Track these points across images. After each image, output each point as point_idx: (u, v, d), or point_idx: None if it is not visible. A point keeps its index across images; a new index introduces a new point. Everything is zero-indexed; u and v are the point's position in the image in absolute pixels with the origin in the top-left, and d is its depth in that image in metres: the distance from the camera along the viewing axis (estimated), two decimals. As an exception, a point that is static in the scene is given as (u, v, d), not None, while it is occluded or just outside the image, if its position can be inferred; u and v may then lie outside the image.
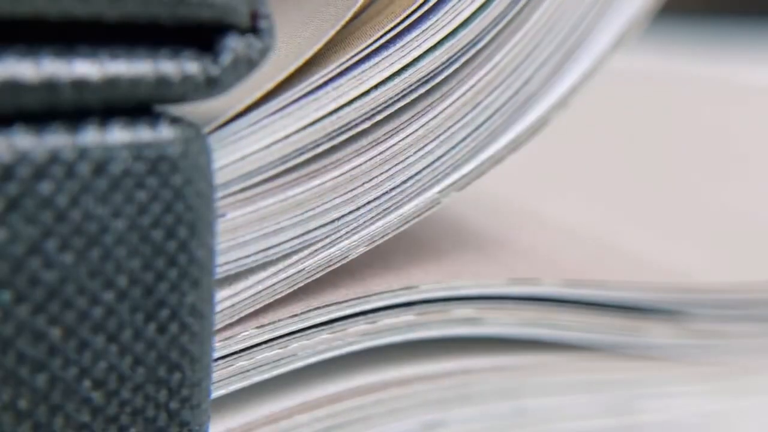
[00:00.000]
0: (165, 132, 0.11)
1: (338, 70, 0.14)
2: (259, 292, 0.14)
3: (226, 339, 0.13)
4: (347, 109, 0.14)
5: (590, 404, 0.18)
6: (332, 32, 0.14)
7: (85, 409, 0.11)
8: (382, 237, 0.15)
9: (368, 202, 0.14)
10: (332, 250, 0.14)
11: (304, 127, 0.13)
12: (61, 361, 0.11)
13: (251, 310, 0.14)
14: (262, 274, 0.14)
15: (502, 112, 0.16)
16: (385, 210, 0.15)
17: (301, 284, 0.14)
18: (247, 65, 0.12)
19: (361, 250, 0.15)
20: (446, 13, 0.14)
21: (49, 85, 0.10)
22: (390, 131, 0.14)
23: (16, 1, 0.10)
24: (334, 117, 0.14)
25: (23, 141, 0.10)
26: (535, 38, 0.15)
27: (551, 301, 0.17)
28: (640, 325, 0.18)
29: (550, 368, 0.17)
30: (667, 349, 0.18)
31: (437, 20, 0.14)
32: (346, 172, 0.14)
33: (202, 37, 0.11)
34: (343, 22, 0.14)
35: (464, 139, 0.15)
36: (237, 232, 0.13)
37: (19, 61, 0.10)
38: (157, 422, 0.12)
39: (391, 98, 0.14)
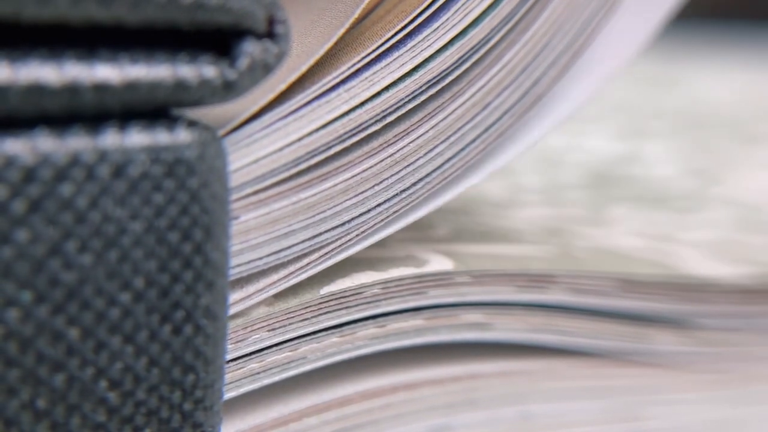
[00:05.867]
0: (182, 135, 0.12)
1: (350, 72, 0.14)
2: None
3: (237, 342, 0.14)
4: (359, 111, 0.14)
5: (595, 410, 0.18)
6: (342, 31, 0.14)
7: (102, 409, 0.12)
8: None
9: (378, 205, 0.15)
10: (341, 256, 0.15)
11: (317, 130, 0.14)
12: (79, 362, 0.12)
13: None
14: (274, 277, 0.14)
15: (511, 114, 0.16)
16: (394, 212, 0.15)
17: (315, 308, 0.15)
18: (263, 69, 0.12)
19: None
20: (456, 11, 0.15)
21: (71, 89, 0.11)
22: (400, 133, 0.15)
23: (40, 5, 0.10)
24: (345, 119, 0.14)
25: (45, 143, 0.11)
26: (544, 37, 0.16)
27: (558, 307, 0.18)
28: (646, 333, 0.18)
29: (556, 374, 0.18)
30: (672, 356, 0.19)
31: (447, 19, 0.15)
32: (357, 174, 0.15)
33: (220, 41, 0.12)
34: (352, 20, 0.14)
35: (474, 140, 0.16)
36: (249, 234, 0.14)
37: (42, 65, 0.11)
38: (171, 423, 0.12)
39: (401, 99, 0.15)
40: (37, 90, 0.11)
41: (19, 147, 0.11)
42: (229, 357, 0.14)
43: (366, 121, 0.15)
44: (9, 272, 0.11)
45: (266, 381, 0.15)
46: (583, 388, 0.18)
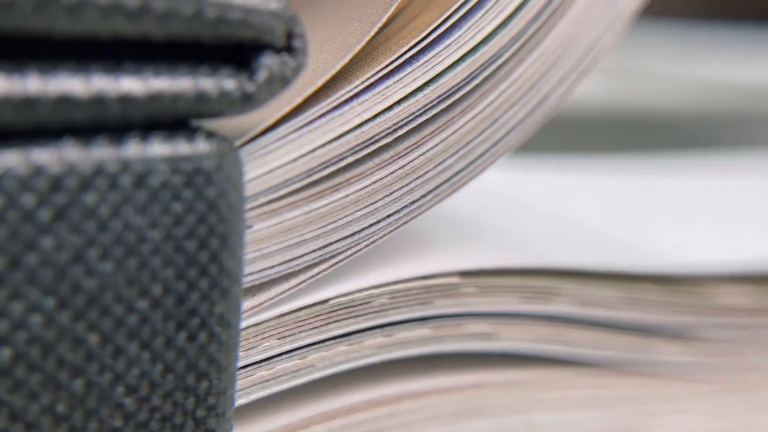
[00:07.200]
0: (201, 146, 0.12)
1: (363, 86, 0.15)
2: (283, 315, 0.15)
3: (247, 349, 0.14)
4: (371, 124, 0.15)
5: (599, 420, 0.19)
6: (358, 48, 0.15)
7: (118, 414, 0.12)
8: None
9: (388, 216, 0.15)
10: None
11: (330, 141, 0.14)
12: (98, 367, 0.12)
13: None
14: (285, 285, 0.15)
15: (519, 129, 0.17)
16: (404, 224, 0.16)
17: (324, 317, 0.15)
18: (281, 82, 0.13)
19: None
20: (468, 29, 0.15)
21: (98, 101, 0.11)
22: (411, 146, 0.15)
23: (71, 20, 0.11)
24: (358, 131, 0.15)
25: (71, 153, 0.11)
26: (553, 56, 0.17)
27: (563, 319, 0.18)
28: (649, 343, 0.19)
29: (560, 384, 0.18)
30: (674, 366, 0.19)
31: (459, 36, 0.15)
32: (368, 185, 0.15)
33: (239, 54, 0.13)
34: (368, 38, 0.15)
35: (482, 154, 0.16)
36: (262, 243, 0.14)
37: (70, 77, 0.11)
38: (185, 429, 0.13)
39: (413, 113, 0.15)
40: (66, 101, 0.11)
41: (46, 157, 0.11)
42: (239, 364, 0.14)
43: (378, 134, 0.15)
44: (34, 279, 0.11)
45: (275, 388, 0.15)
46: (587, 398, 0.19)
